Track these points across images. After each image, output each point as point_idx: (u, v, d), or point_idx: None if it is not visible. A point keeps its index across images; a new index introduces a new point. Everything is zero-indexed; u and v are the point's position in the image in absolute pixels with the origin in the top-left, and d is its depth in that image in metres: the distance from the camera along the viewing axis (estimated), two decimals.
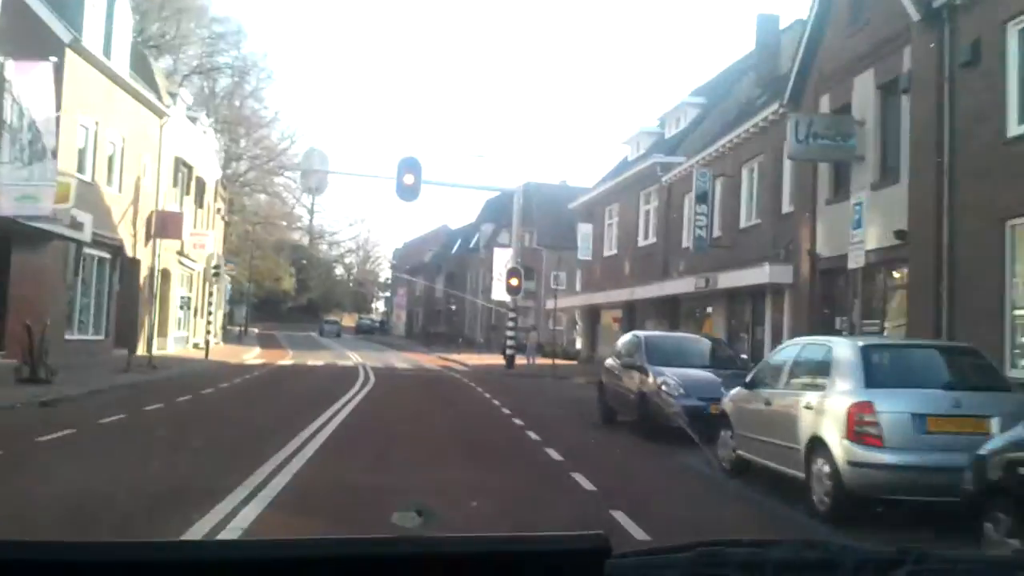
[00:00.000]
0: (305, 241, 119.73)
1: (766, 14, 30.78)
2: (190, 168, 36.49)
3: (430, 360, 44.50)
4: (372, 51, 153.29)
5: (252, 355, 39.66)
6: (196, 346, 40.54)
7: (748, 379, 10.50)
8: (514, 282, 33.81)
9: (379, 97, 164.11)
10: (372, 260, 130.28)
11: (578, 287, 62.67)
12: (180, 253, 35.97)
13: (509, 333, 34.40)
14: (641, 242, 33.70)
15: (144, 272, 31.67)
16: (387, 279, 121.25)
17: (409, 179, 31.23)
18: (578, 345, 50.95)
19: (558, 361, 41.71)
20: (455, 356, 46.99)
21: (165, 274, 34.88)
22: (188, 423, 14.07)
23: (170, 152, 33.73)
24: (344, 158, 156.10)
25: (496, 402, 19.85)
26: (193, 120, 38.98)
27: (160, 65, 69.15)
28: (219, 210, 47.63)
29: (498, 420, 16.73)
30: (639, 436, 13.72)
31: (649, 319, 31.55)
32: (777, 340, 19.18)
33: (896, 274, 16.64)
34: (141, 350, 31.63)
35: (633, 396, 14.23)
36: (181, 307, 37.24)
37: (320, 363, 35.89)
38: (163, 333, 34.99)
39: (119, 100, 27.86)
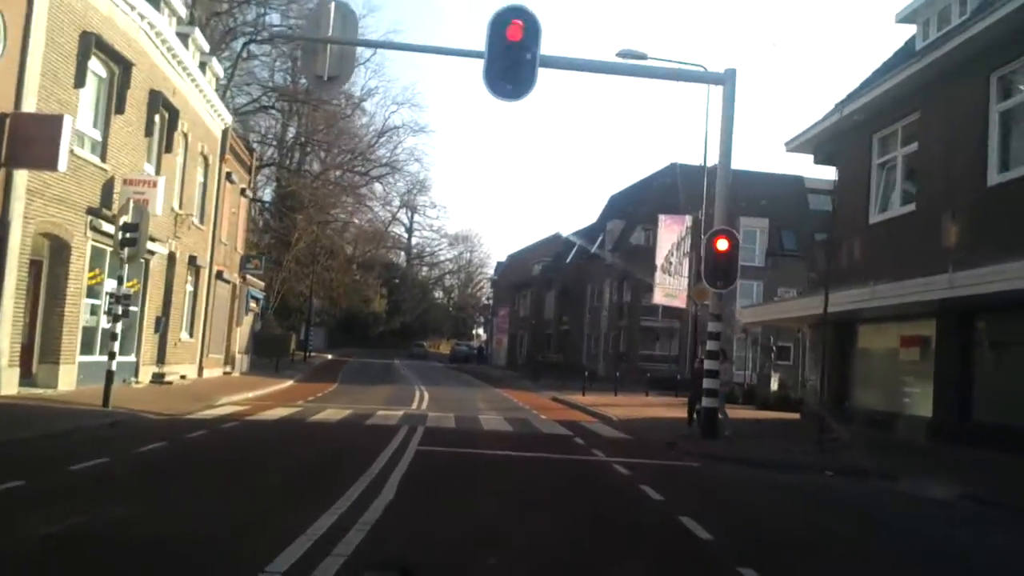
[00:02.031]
0: (402, 261, 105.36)
1: None
2: (125, 65, 20.49)
3: (541, 405, 27.40)
4: None
5: (239, 396, 23.30)
6: (160, 379, 24.56)
7: None
8: (722, 245, 16.56)
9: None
10: (475, 284, 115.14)
11: (758, 294, 44.75)
12: (96, 212, 19.85)
13: (710, 365, 16.73)
14: (997, 175, 15.97)
15: None
16: (489, 299, 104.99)
17: (515, 32, 15.20)
18: (774, 384, 33.03)
19: (762, 414, 24.27)
20: (577, 398, 29.80)
21: (58, 247, 18.87)
22: None
23: (63, 17, 17.76)
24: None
25: None
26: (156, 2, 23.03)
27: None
28: (229, 176, 31.69)
29: None
30: None
31: None
32: None
33: None
34: None
35: None
36: (111, 312, 21.02)
37: (342, 415, 19.30)
38: (53, 357, 18.91)
39: None
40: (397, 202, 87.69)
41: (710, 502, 10.18)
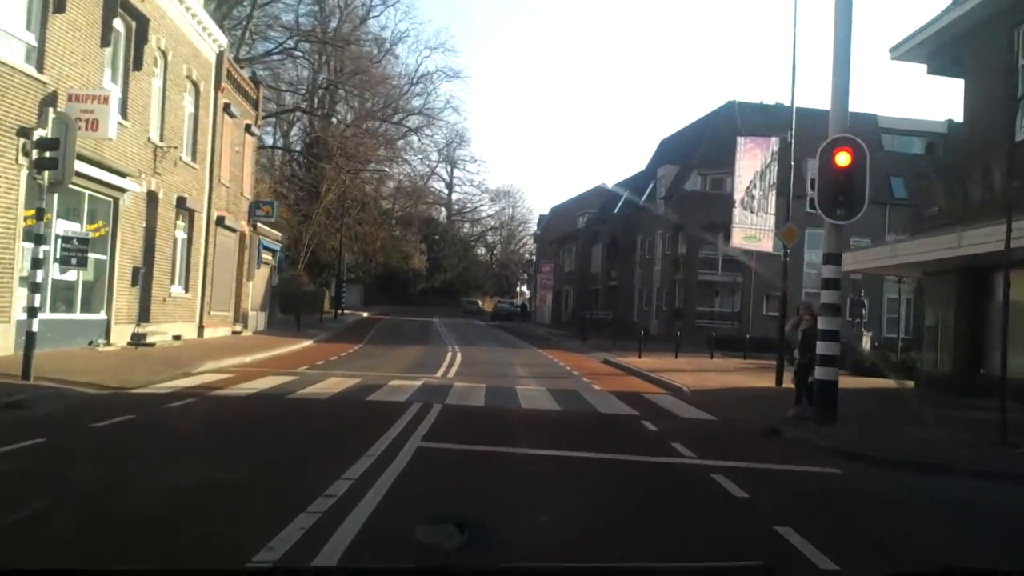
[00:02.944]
0: (442, 217, 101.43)
1: None
2: None
3: (592, 370, 23.17)
4: None
5: (230, 361, 19.27)
6: (140, 340, 20.67)
7: None
8: (843, 159, 12.18)
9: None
10: (518, 240, 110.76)
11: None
12: (26, 134, 15.67)
13: (827, 323, 12.21)
14: None
15: None
16: (532, 255, 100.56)
17: None
18: (866, 344, 28.47)
19: (860, 380, 19.88)
20: (633, 361, 25.54)
21: None
22: None
23: None
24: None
25: None
26: None
27: None
28: (227, 108, 27.47)
29: None
30: None
31: None
32: None
33: None
34: None
35: None
36: (65, 259, 16.95)
37: (343, 387, 15.16)
38: None
39: None
40: (435, 156, 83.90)
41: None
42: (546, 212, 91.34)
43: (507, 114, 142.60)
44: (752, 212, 21.21)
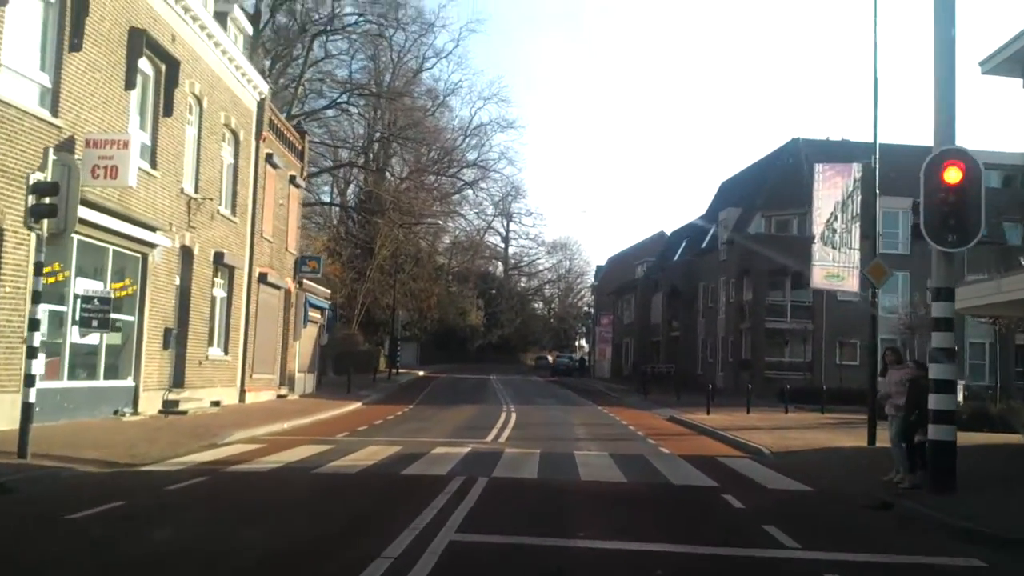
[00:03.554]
0: (499, 271, 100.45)
1: None
2: None
3: (658, 430, 21.17)
4: None
5: (266, 429, 17.70)
6: (172, 408, 19.30)
7: None
8: (953, 176, 10.33)
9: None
10: (575, 293, 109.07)
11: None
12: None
13: (940, 371, 10.00)
14: None
15: None
16: (590, 307, 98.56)
17: None
18: (959, 394, 25.89)
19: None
20: (702, 417, 23.52)
21: None
22: None
23: None
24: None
25: None
26: None
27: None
28: (269, 159, 26.38)
29: None
30: None
31: None
32: None
33: None
34: None
35: None
36: (85, 321, 15.70)
37: (380, 458, 13.51)
38: None
39: None
40: (491, 210, 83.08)
41: None
42: (603, 262, 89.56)
43: (562, 164, 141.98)
44: (834, 248, 19.21)
